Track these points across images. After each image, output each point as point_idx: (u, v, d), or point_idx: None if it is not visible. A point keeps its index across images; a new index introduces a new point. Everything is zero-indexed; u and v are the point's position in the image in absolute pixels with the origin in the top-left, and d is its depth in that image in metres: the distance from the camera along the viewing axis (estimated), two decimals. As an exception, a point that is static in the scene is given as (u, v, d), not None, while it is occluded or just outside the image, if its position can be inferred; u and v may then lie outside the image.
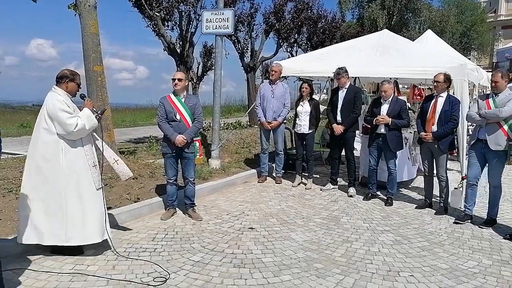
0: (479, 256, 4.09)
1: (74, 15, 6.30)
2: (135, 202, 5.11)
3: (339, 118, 6.24)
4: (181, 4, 11.31)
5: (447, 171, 5.59)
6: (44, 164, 3.58)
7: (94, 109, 3.90)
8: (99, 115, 3.95)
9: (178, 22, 11.73)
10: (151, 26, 11.57)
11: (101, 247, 3.90)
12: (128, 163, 6.56)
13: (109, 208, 4.67)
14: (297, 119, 6.69)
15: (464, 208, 5.23)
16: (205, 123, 10.64)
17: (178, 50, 11.65)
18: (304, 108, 6.56)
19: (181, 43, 11.83)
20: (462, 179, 5.70)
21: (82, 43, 6.27)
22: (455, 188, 5.74)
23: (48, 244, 3.68)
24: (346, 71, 6.17)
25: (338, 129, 6.20)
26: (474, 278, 3.61)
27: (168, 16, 11.67)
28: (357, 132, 6.72)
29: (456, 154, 7.21)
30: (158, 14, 10.71)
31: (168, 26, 11.91)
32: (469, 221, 5.05)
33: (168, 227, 4.66)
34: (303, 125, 6.58)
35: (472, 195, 5.08)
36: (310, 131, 6.59)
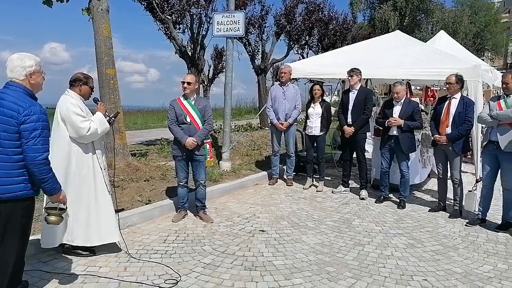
0: (494, 260, 4.02)
1: (88, 19, 6.38)
2: (146, 204, 5.13)
3: (349, 119, 6.21)
4: (193, 7, 11.37)
5: (461, 173, 5.50)
6: (56, 166, 3.60)
7: (107, 113, 3.94)
8: (112, 119, 3.99)
9: (189, 25, 11.79)
10: (163, 29, 11.65)
11: (112, 249, 3.93)
12: (139, 165, 6.64)
13: (121, 210, 4.71)
14: (308, 121, 6.66)
15: (477, 212, 5.15)
16: (216, 125, 10.67)
17: (189, 53, 11.71)
18: (316, 110, 6.53)
19: (192, 45, 11.89)
20: (477, 181, 5.61)
21: (95, 46, 6.35)
22: (469, 191, 5.65)
23: (63, 242, 3.73)
24: (360, 71, 6.14)
25: (349, 130, 6.16)
26: (490, 282, 3.54)
27: (179, 19, 11.74)
28: (368, 134, 6.66)
29: (470, 156, 7.11)
30: (169, 17, 10.78)
31: (179, 29, 11.98)
32: (481, 224, 4.98)
33: (179, 229, 4.67)
34: (314, 127, 6.55)
35: (486, 198, 5.00)
36: (321, 133, 6.56)
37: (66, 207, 3.10)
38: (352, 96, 6.21)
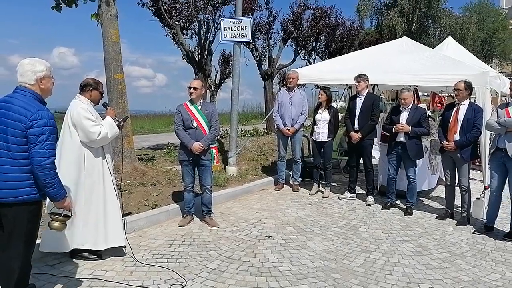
0: (502, 269, 3.97)
1: (97, 25, 6.45)
2: (153, 208, 5.15)
3: (356, 125, 6.19)
4: (200, 13, 11.45)
5: (469, 180, 5.46)
6: (67, 171, 3.65)
7: (116, 117, 3.98)
8: (122, 123, 4.03)
9: (197, 31, 11.87)
10: (171, 35, 11.75)
11: (119, 253, 3.94)
12: (146, 170, 6.67)
13: (127, 214, 4.73)
14: (315, 127, 6.65)
15: (485, 219, 5.10)
16: (223, 130, 10.70)
17: (197, 58, 11.78)
18: (323, 116, 6.52)
19: (199, 51, 11.96)
20: (485, 189, 5.56)
21: (104, 51, 6.41)
22: (477, 198, 5.60)
23: (72, 248, 3.75)
24: (367, 77, 6.13)
25: (356, 136, 6.14)
26: (498, 291, 3.51)
27: (187, 25, 11.82)
28: (375, 140, 6.64)
29: (478, 163, 7.05)
30: (177, 23, 10.87)
31: (187, 34, 12.08)
32: (488, 232, 4.93)
33: (185, 234, 4.67)
34: (322, 133, 6.53)
35: (494, 206, 4.95)
36: (328, 139, 6.54)
37: (71, 215, 3.10)
38: (359, 102, 6.20)
